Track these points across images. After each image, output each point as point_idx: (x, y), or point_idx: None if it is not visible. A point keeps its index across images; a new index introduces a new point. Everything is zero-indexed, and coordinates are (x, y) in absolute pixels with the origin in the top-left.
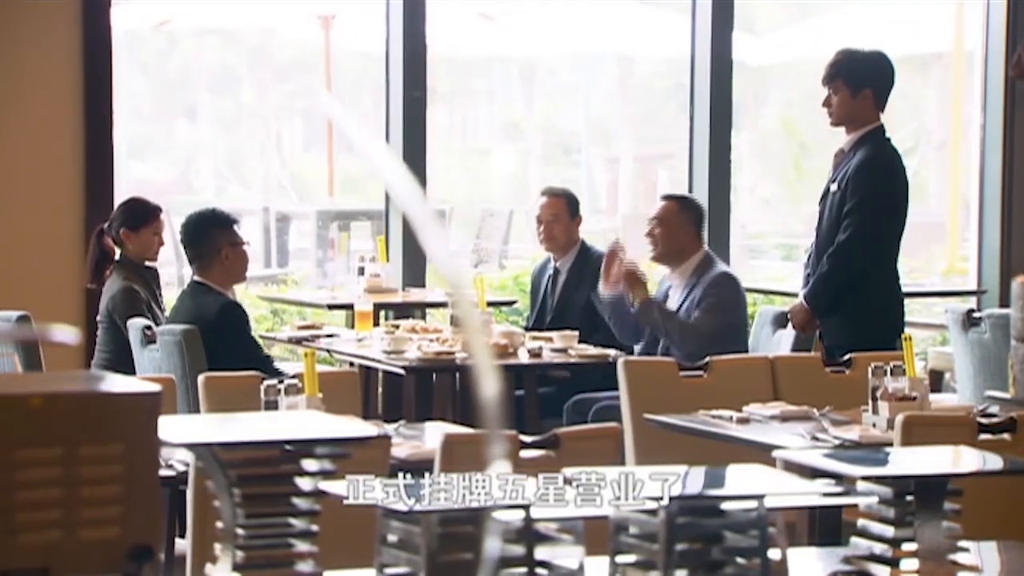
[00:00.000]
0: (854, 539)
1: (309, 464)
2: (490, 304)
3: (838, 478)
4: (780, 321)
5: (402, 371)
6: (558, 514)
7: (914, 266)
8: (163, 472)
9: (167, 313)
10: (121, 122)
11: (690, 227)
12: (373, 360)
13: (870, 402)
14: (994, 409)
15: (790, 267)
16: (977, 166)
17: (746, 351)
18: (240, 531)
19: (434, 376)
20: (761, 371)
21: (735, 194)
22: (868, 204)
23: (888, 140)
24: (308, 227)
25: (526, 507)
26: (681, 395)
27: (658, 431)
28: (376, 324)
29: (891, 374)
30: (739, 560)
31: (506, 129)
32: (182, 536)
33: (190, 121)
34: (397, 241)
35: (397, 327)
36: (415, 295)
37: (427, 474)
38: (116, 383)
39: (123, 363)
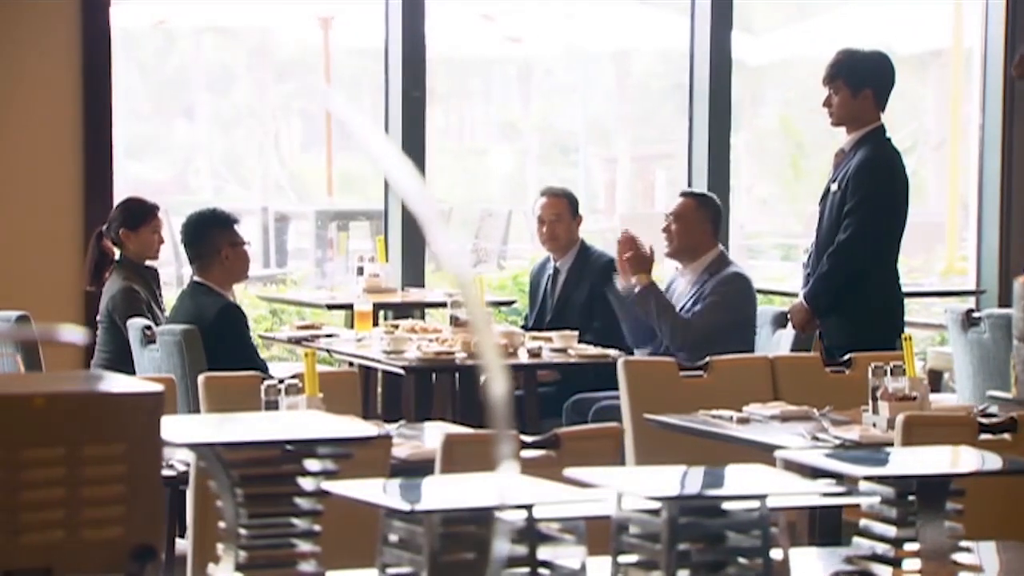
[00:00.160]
0: (856, 539)
1: (312, 464)
2: (489, 304)
3: (839, 478)
4: (779, 321)
5: (402, 371)
6: (561, 514)
7: (913, 266)
8: (164, 472)
9: (167, 313)
10: (118, 122)
11: (706, 225)
12: (373, 360)
13: (870, 402)
14: (993, 409)
15: (789, 267)
16: (976, 166)
17: (752, 351)
18: (243, 531)
19: (434, 376)
20: (761, 371)
21: (733, 194)
22: (868, 204)
23: (888, 140)
24: (307, 227)
25: (529, 507)
26: (681, 395)
27: (658, 431)
28: (375, 324)
29: (891, 374)
30: (741, 560)
31: (503, 129)
32: (182, 536)
33: (188, 121)
34: (396, 241)
35: (396, 327)
36: (414, 295)
37: (429, 474)
38: (119, 383)
39: (123, 363)
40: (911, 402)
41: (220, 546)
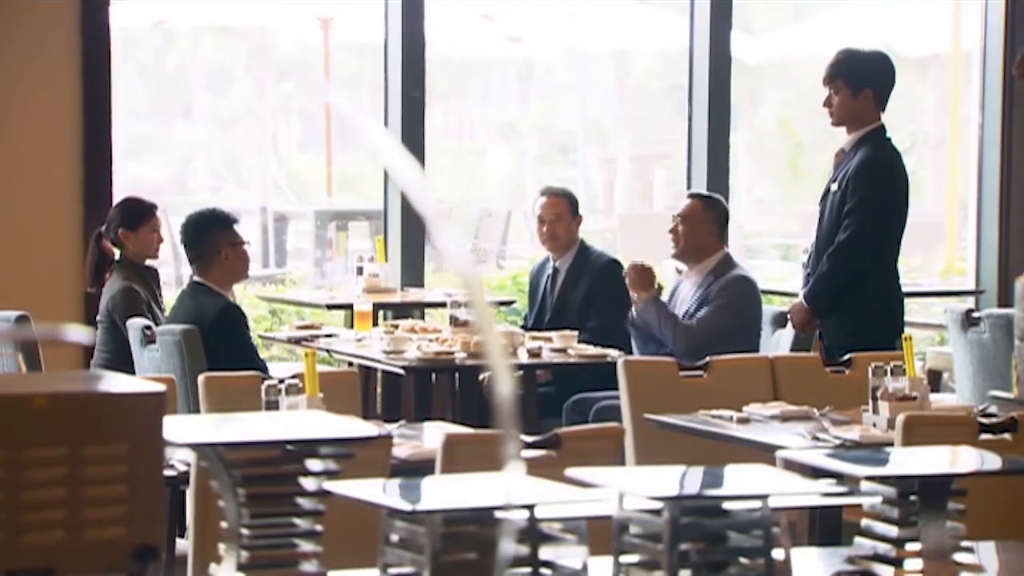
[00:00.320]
0: (858, 539)
1: (313, 464)
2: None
3: (839, 478)
4: (779, 321)
5: (402, 371)
6: (562, 514)
7: (912, 266)
8: (164, 472)
9: (167, 313)
10: (117, 122)
11: (712, 227)
12: (373, 360)
13: (870, 402)
14: (993, 409)
15: (788, 267)
16: (975, 166)
17: (755, 351)
18: (245, 531)
19: (433, 376)
20: (761, 371)
21: (731, 194)
22: (868, 204)
23: (889, 140)
24: (306, 227)
25: (531, 507)
26: (681, 395)
27: (658, 431)
28: (375, 324)
29: (891, 374)
30: (743, 560)
31: (502, 129)
32: (182, 536)
33: (186, 121)
34: (396, 241)
35: (396, 327)
36: (414, 295)
37: (430, 474)
38: (120, 383)
39: (123, 363)
40: (911, 402)
41: (222, 546)
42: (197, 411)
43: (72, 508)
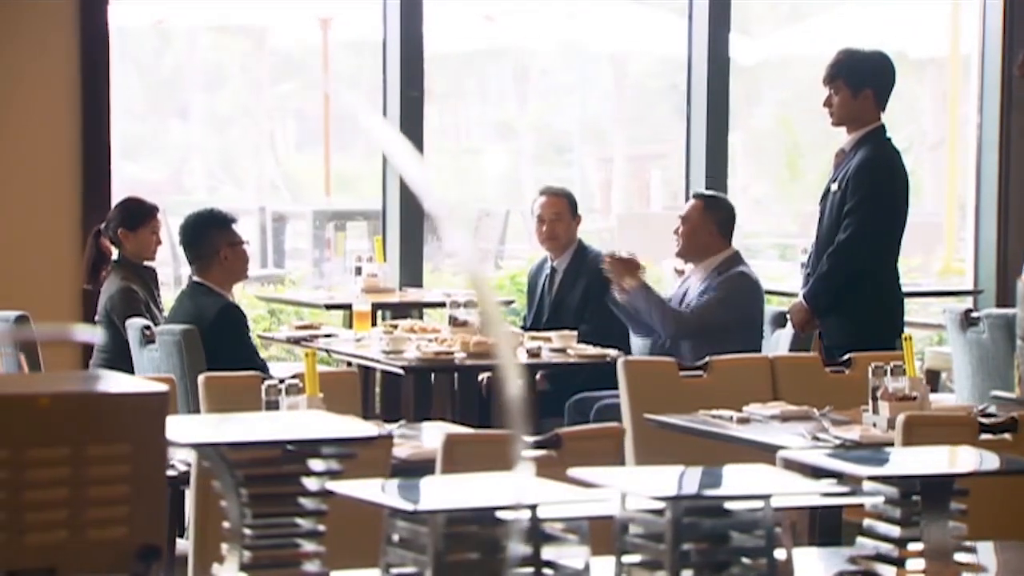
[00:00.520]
0: (860, 539)
1: (316, 464)
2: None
3: (839, 477)
4: (778, 321)
5: (401, 371)
6: (565, 514)
7: (911, 266)
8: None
9: (165, 313)
10: (114, 121)
11: (712, 227)
12: (372, 360)
13: (870, 402)
14: (992, 409)
15: (786, 267)
16: (974, 166)
17: (757, 351)
18: (247, 531)
19: (433, 376)
20: (761, 371)
21: (730, 194)
22: (868, 204)
23: (889, 140)
24: (304, 227)
25: (533, 507)
26: (681, 395)
27: (658, 431)
28: (373, 324)
29: (891, 374)
30: (745, 560)
31: (499, 129)
32: (181, 536)
33: (183, 121)
34: (394, 241)
35: (395, 327)
36: (412, 295)
37: (430, 474)
38: (123, 383)
39: (122, 363)
40: (911, 402)
41: (224, 546)
42: (197, 411)
43: (75, 508)
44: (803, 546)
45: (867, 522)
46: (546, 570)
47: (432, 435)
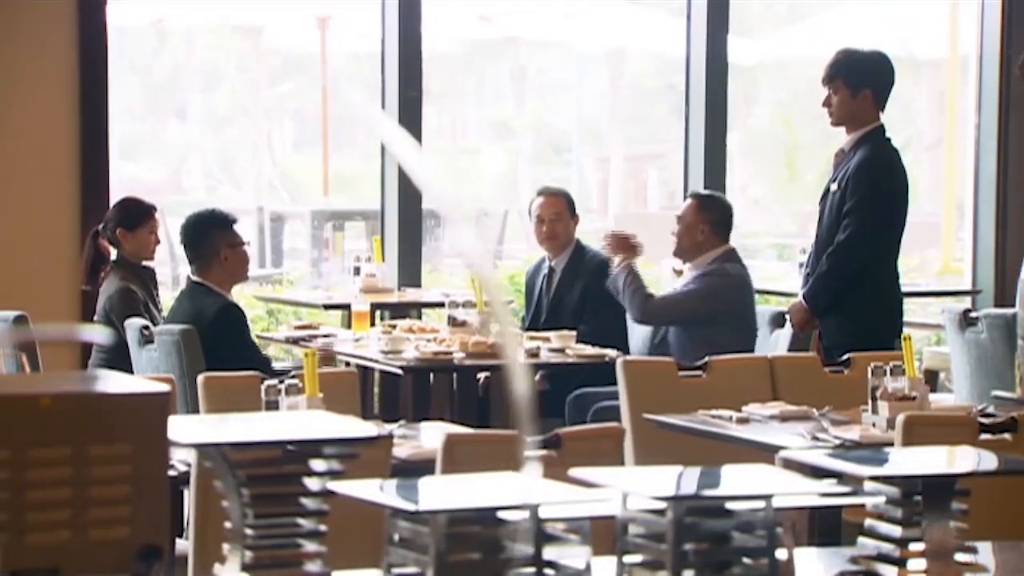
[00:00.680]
0: (861, 539)
1: (318, 464)
2: (487, 304)
3: (840, 477)
4: (777, 321)
5: (400, 371)
6: (566, 514)
7: (909, 266)
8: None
9: (164, 313)
10: (112, 121)
11: (705, 226)
12: (371, 360)
13: (869, 402)
14: (991, 409)
15: (785, 267)
16: (972, 167)
17: (747, 348)
18: (249, 531)
19: (431, 376)
20: (760, 371)
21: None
22: (868, 204)
23: (888, 140)
24: (302, 227)
25: (534, 507)
26: (680, 395)
27: (657, 431)
28: (372, 324)
29: (891, 374)
30: (746, 560)
31: (496, 128)
32: (180, 536)
33: (180, 121)
34: (393, 241)
35: (394, 327)
36: (411, 295)
37: (430, 474)
38: (125, 383)
39: (120, 363)
40: (911, 402)
41: (225, 546)
42: (196, 411)
43: (77, 508)
44: (802, 546)
45: (868, 522)
46: (547, 570)
47: (431, 435)
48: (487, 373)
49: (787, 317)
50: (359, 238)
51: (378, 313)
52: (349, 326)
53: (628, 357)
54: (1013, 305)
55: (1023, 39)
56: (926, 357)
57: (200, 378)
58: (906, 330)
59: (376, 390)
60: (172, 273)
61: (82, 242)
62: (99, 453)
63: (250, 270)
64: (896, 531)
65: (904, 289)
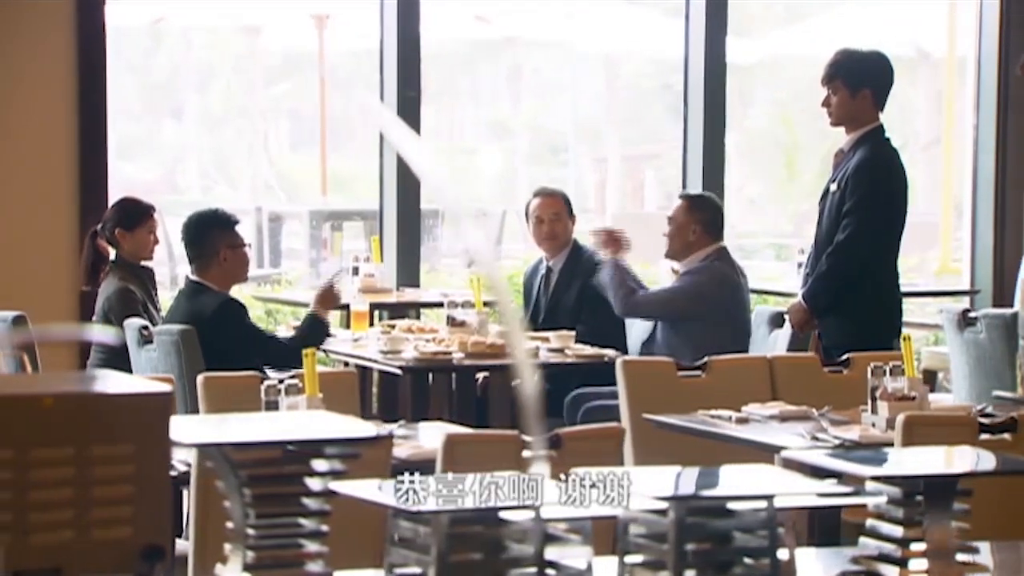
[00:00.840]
0: (863, 539)
1: (319, 464)
2: (486, 304)
3: (840, 477)
4: (776, 321)
5: (399, 371)
6: (569, 514)
7: (907, 266)
8: None
9: (163, 313)
10: (110, 121)
11: (696, 226)
12: (370, 360)
13: (869, 402)
14: (990, 409)
15: (783, 267)
16: (970, 167)
17: (739, 347)
18: (251, 531)
19: (430, 376)
20: (759, 371)
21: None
22: (867, 204)
23: (888, 140)
24: (300, 227)
25: (536, 507)
26: (679, 395)
27: (657, 431)
28: (371, 324)
29: (890, 374)
30: (748, 560)
31: (493, 128)
32: (179, 536)
33: (176, 121)
34: (391, 241)
35: (393, 327)
36: (409, 295)
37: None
38: (127, 383)
39: (119, 363)
40: (910, 402)
41: (227, 546)
42: (195, 412)
43: (79, 508)
44: (802, 546)
45: (870, 522)
46: (549, 570)
47: (430, 435)
48: (486, 373)
49: (786, 317)
50: (357, 238)
51: (377, 313)
52: (348, 326)
53: (627, 357)
54: (1011, 305)
55: (1021, 39)
56: (924, 357)
57: (200, 378)
58: (905, 330)
59: (375, 390)
60: (170, 273)
61: (81, 242)
62: (101, 453)
63: (248, 270)
64: (898, 531)
65: (902, 289)
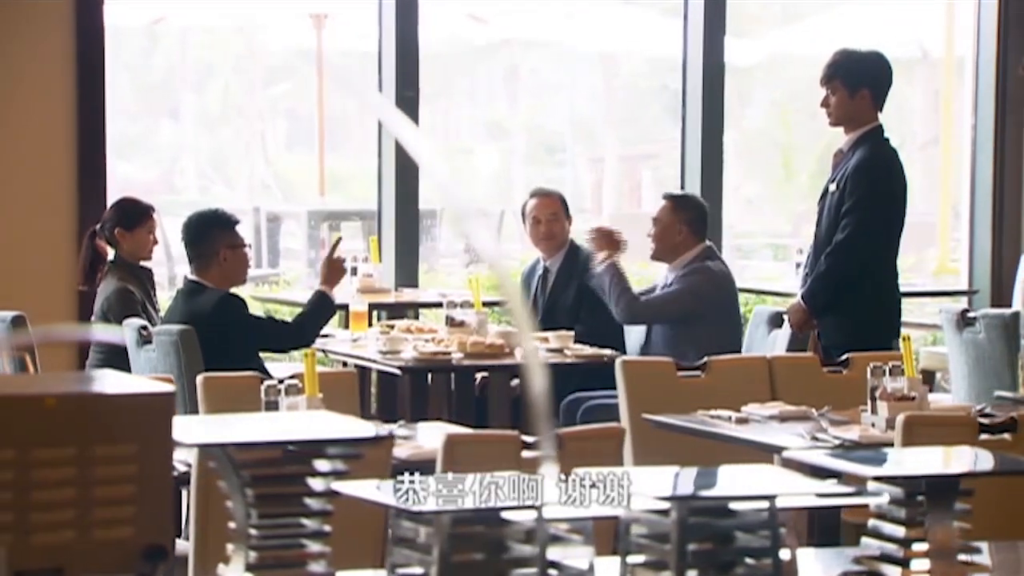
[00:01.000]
0: (864, 539)
1: (322, 464)
2: (485, 304)
3: (840, 477)
4: (775, 321)
5: (398, 371)
6: (571, 514)
7: (906, 266)
8: None
9: (162, 313)
10: (108, 121)
11: (682, 226)
12: (369, 360)
13: (869, 402)
14: (990, 409)
15: (781, 267)
16: (968, 167)
17: (734, 345)
18: (253, 531)
19: (429, 376)
20: (759, 371)
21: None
22: (866, 204)
23: (887, 140)
24: (298, 227)
25: (539, 508)
26: (679, 395)
27: (656, 431)
28: (370, 325)
29: (890, 374)
30: (749, 560)
31: (489, 128)
32: (178, 536)
33: (174, 120)
34: (390, 241)
35: (392, 327)
36: (408, 295)
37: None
38: (128, 383)
39: (118, 363)
40: (910, 402)
41: (230, 546)
42: (194, 412)
43: (81, 508)
44: (802, 546)
45: (871, 522)
46: (551, 570)
47: (430, 435)
48: (485, 373)
49: (785, 317)
50: (356, 238)
51: (375, 313)
52: (347, 326)
53: (626, 357)
54: (1010, 305)
55: (1019, 40)
56: (923, 357)
57: (199, 378)
58: (903, 330)
59: (374, 390)
60: (168, 273)
61: (79, 242)
62: (103, 453)
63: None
64: (899, 531)
65: (902, 289)
